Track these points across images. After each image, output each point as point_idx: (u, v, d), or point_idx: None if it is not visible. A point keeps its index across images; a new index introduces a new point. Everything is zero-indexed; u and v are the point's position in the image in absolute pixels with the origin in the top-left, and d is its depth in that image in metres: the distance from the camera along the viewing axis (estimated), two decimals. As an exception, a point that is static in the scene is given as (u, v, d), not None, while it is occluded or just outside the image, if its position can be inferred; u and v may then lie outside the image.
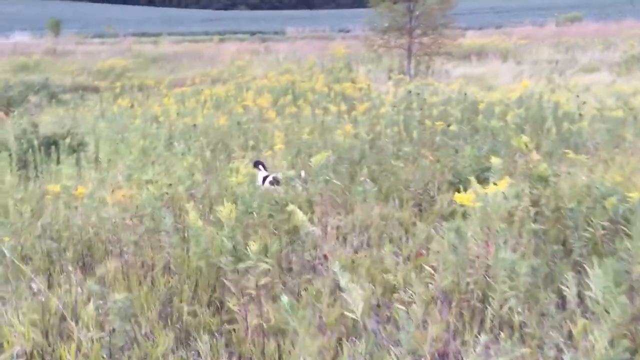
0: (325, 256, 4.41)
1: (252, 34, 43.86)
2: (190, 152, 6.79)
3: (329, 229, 4.73)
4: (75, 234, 4.37)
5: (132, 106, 12.29)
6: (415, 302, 3.00)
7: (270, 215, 4.27)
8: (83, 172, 6.47)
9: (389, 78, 14.78)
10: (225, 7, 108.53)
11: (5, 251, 3.45)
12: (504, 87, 13.05)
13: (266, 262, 2.76)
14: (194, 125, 7.78)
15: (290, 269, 4.08)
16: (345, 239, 4.74)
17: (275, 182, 5.53)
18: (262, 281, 2.74)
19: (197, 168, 5.78)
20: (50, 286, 3.89)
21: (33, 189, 5.66)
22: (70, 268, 3.99)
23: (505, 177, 4.57)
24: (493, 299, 3.13)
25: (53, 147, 7.00)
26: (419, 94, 10.10)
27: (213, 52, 26.85)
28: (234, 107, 9.68)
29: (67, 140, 7.44)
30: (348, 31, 40.15)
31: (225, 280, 2.95)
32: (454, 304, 3.22)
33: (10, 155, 7.07)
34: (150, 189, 4.72)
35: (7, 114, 13.09)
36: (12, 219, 4.57)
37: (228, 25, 58.30)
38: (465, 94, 10.11)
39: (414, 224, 5.07)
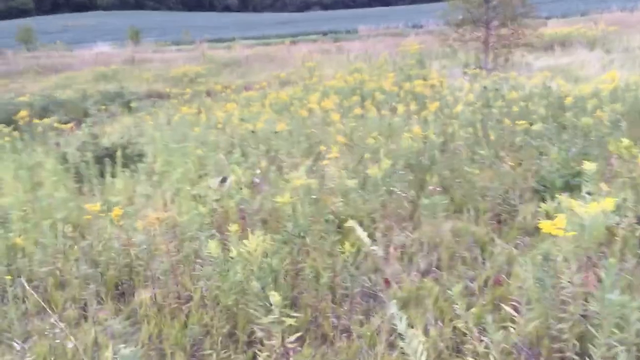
0: (386, 281, 3.85)
1: (325, 34, 43.63)
2: (247, 160, 6.37)
3: (391, 249, 4.16)
4: (113, 258, 4.02)
5: (199, 112, 12.08)
6: (492, 354, 2.40)
7: (322, 237, 3.73)
8: (137, 186, 6.17)
9: (464, 73, 13.90)
10: (299, 9, 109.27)
11: (25, 284, 3.11)
12: (593, 78, 11.91)
13: (293, 316, 2.22)
14: (252, 131, 7.36)
15: (346, 296, 3.54)
16: (410, 260, 4.15)
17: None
18: (291, 338, 2.20)
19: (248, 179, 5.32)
20: (83, 318, 3.56)
21: (80, 205, 5.38)
22: (102, 298, 3.63)
23: (601, 185, 3.86)
24: (596, 348, 2.46)
25: (109, 159, 6.76)
26: (497, 89, 9.26)
27: (284, 54, 26.62)
28: (298, 110, 9.21)
29: (125, 151, 7.20)
30: (422, 27, 39.13)
31: (255, 328, 2.45)
32: (542, 356, 2.57)
33: (68, 169, 6.91)
34: (195, 205, 4.32)
35: (79, 123, 13.22)
36: (52, 240, 4.29)
37: (301, 26, 58.36)
38: (550, 87, 9.18)
39: (492, 240, 4.42)
